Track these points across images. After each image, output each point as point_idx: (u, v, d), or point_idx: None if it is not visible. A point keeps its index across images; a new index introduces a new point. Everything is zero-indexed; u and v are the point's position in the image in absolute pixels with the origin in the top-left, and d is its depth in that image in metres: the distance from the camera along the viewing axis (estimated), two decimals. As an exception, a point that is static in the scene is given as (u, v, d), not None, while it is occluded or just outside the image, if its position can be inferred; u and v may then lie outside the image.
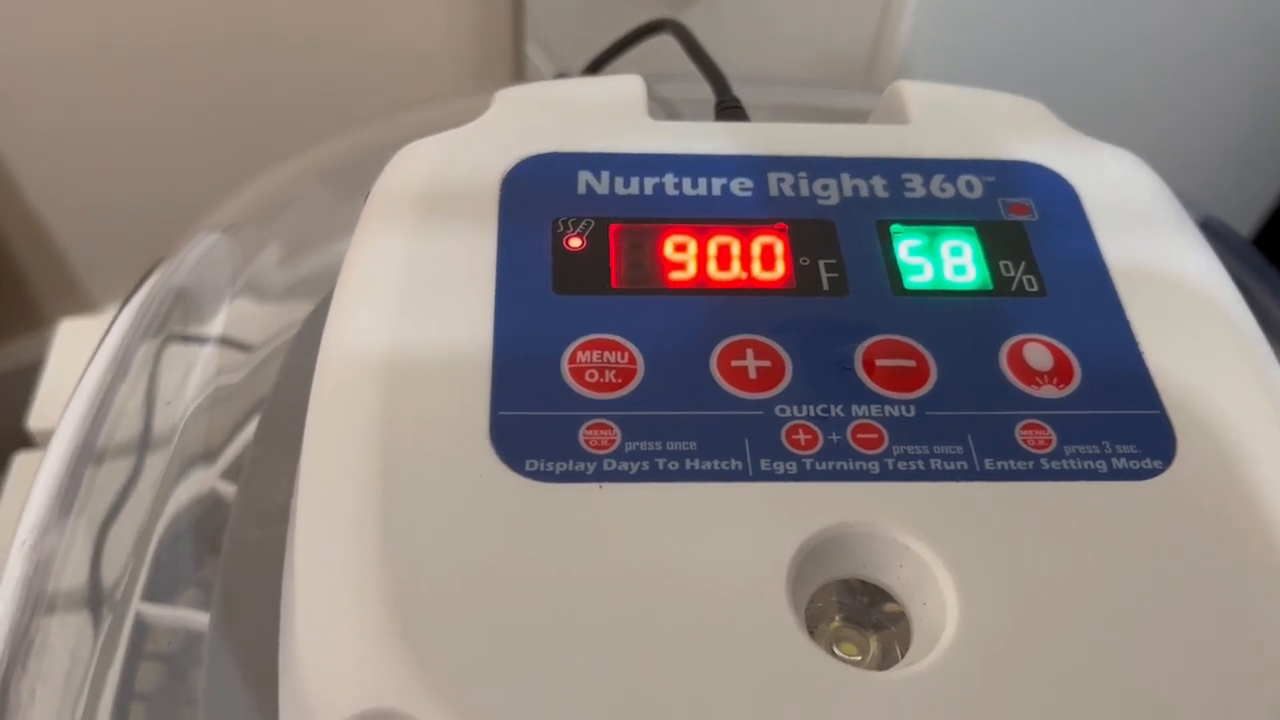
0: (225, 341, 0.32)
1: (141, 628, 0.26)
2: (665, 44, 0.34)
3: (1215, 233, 0.34)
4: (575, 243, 0.22)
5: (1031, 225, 0.23)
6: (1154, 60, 0.61)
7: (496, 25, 0.90)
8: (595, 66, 0.37)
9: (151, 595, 0.26)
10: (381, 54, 0.87)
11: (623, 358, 0.20)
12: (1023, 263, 0.23)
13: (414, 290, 0.21)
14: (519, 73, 0.92)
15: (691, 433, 0.19)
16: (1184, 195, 0.30)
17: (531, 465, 0.19)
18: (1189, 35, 0.60)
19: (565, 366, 0.20)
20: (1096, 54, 0.58)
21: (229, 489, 0.28)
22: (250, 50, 0.82)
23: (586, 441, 0.19)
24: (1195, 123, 0.67)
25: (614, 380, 0.20)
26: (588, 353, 0.20)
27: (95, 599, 0.26)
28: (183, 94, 0.82)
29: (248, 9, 0.80)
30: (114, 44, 0.77)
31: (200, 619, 0.25)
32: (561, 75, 0.34)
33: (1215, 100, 0.66)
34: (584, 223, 0.23)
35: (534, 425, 0.19)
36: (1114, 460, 0.20)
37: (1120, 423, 0.20)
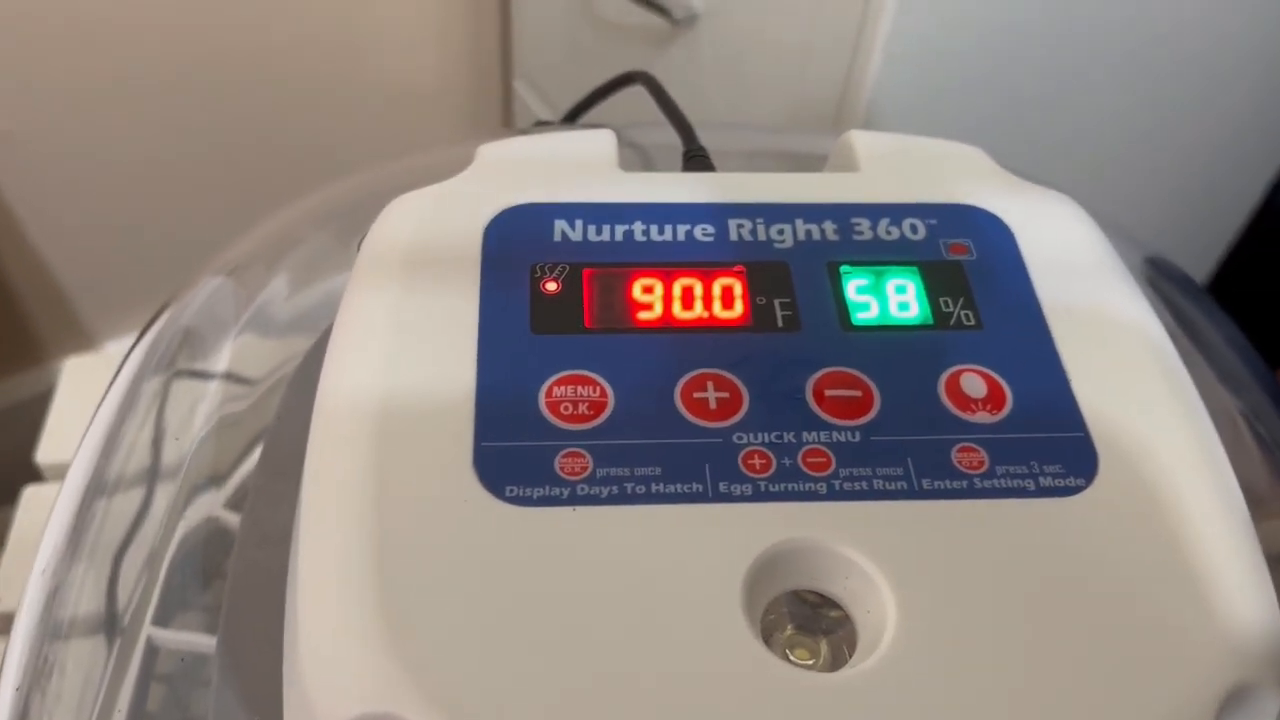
0: (229, 377, 0.33)
1: (152, 651, 0.27)
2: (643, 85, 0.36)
3: (1158, 267, 0.36)
4: (551, 286, 0.24)
5: (970, 264, 0.25)
6: (1115, 108, 0.62)
7: (487, 65, 0.92)
8: (573, 115, 0.39)
9: (161, 620, 0.28)
10: (380, 93, 0.89)
11: (595, 391, 0.22)
12: (961, 299, 0.25)
13: (405, 330, 0.23)
14: (508, 108, 0.95)
15: (657, 459, 0.21)
16: (1134, 233, 0.31)
17: (511, 491, 0.21)
18: (1150, 78, 0.62)
19: (542, 400, 0.22)
20: (1057, 100, 0.60)
21: (233, 518, 0.30)
22: (250, 91, 0.84)
23: (561, 469, 0.21)
24: (1158, 166, 0.68)
25: (587, 412, 0.22)
26: (563, 387, 0.22)
27: (108, 624, 0.27)
28: (184, 133, 0.84)
29: (248, 52, 0.82)
30: (116, 85, 0.79)
31: (207, 641, 0.27)
32: (541, 123, 0.36)
33: (1179, 142, 0.68)
34: (559, 268, 0.25)
35: (514, 455, 0.21)
36: (1041, 479, 0.22)
37: (1047, 445, 0.22)
